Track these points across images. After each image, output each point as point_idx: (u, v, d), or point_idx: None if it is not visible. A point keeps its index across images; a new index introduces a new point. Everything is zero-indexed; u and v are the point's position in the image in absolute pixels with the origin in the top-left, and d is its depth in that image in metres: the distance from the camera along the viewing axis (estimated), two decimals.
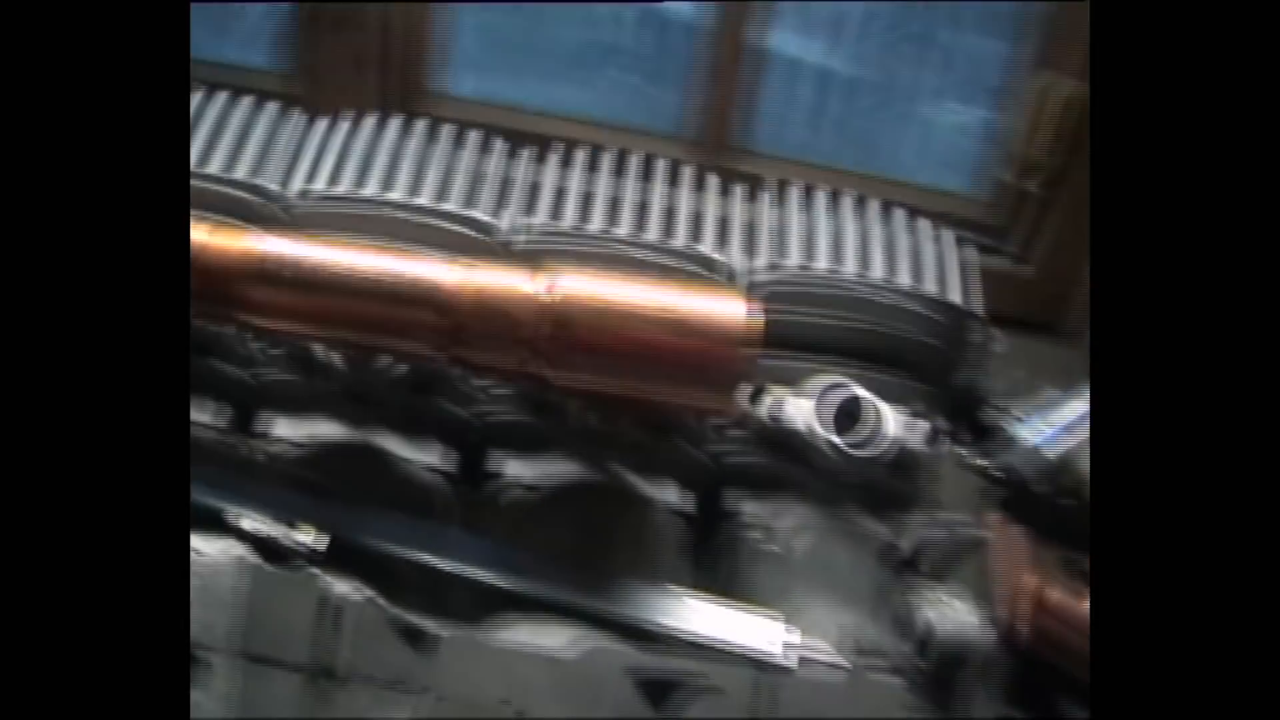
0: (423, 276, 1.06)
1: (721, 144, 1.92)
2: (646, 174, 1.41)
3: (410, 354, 1.10)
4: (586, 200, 1.32)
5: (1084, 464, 1.54)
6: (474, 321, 1.05)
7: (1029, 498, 1.55)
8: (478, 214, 1.22)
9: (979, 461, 1.64)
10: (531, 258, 1.18)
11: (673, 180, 1.40)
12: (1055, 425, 1.59)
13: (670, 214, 1.34)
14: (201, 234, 1.07)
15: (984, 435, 1.67)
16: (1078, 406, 1.59)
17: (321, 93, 1.83)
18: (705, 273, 1.21)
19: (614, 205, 1.32)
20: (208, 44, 1.88)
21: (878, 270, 1.28)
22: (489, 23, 1.94)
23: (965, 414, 1.72)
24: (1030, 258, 1.97)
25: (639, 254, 1.19)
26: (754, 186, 1.46)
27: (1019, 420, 1.65)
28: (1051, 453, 1.56)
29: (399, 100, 1.85)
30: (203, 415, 1.19)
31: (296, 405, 1.20)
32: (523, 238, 1.21)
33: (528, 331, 1.05)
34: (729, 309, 1.07)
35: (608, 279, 1.09)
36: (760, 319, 1.19)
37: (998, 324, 1.82)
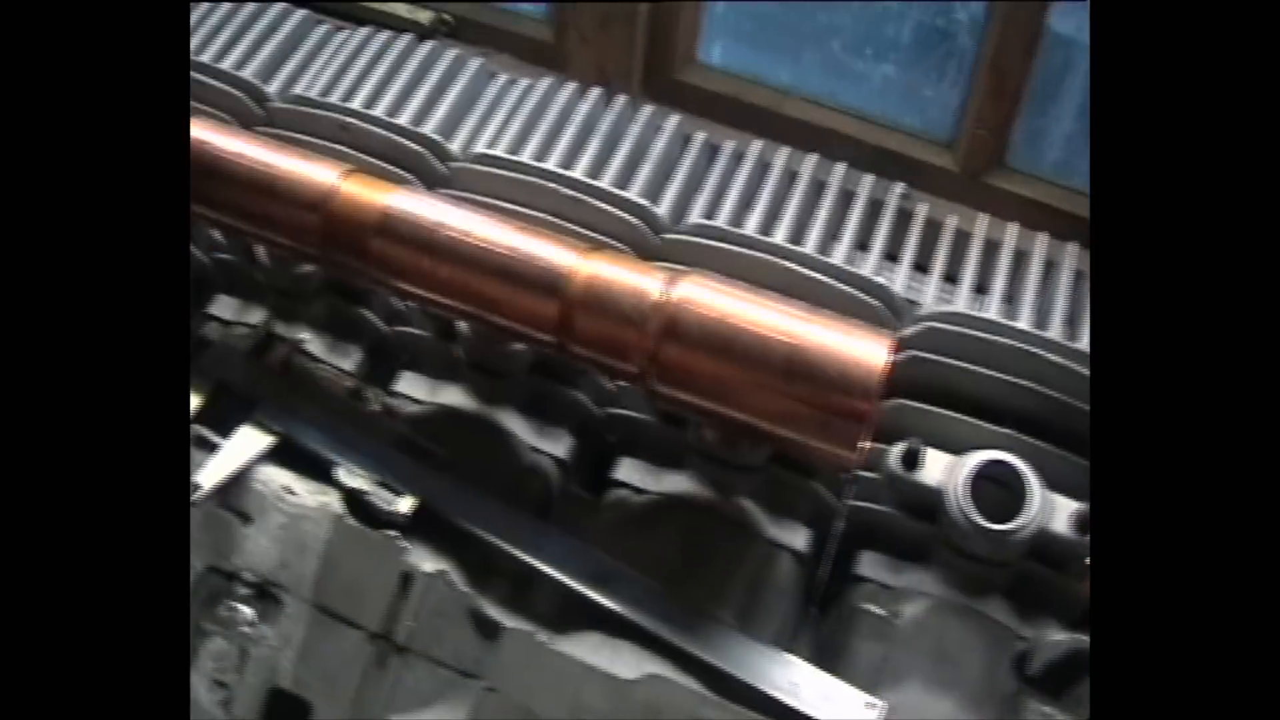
0: (538, 255, 1.00)
1: (989, 157, 1.75)
2: (863, 183, 1.31)
3: (523, 335, 1.05)
4: (776, 208, 1.23)
5: None
6: (581, 311, 0.99)
7: None
8: (636, 198, 1.16)
9: None
10: (680, 256, 1.12)
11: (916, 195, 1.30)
12: None
13: (874, 210, 1.23)
14: (332, 176, 1.07)
15: None
16: None
17: (569, 45, 1.81)
18: (871, 302, 1.10)
19: (802, 218, 1.23)
20: None
21: (1085, 340, 1.14)
22: (759, 7, 1.84)
23: None
24: None
25: (795, 267, 1.09)
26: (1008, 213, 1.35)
27: None
28: None
29: (646, 67, 1.80)
30: (342, 361, 1.20)
31: (428, 366, 1.19)
32: (678, 234, 1.14)
33: (634, 332, 0.97)
34: (866, 352, 0.95)
35: (735, 289, 1.00)
36: (914, 367, 1.08)
37: None
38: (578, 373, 1.16)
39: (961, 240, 1.30)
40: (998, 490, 1.04)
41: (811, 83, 1.86)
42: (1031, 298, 1.17)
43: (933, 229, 1.31)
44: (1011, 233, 1.31)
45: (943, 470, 1.04)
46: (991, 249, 1.28)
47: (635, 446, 1.14)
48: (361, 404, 1.15)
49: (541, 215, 1.13)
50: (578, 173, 1.21)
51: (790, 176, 1.28)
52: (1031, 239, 1.30)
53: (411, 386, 1.18)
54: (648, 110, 1.30)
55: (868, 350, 0.95)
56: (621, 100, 1.29)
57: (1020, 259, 1.27)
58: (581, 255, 1.01)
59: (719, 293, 0.98)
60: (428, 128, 1.27)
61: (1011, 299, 1.22)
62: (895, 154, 1.71)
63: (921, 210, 1.34)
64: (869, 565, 1.08)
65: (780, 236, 1.18)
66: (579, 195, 1.14)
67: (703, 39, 1.86)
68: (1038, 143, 1.76)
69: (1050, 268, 1.24)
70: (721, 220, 1.18)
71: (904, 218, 1.29)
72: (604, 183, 1.19)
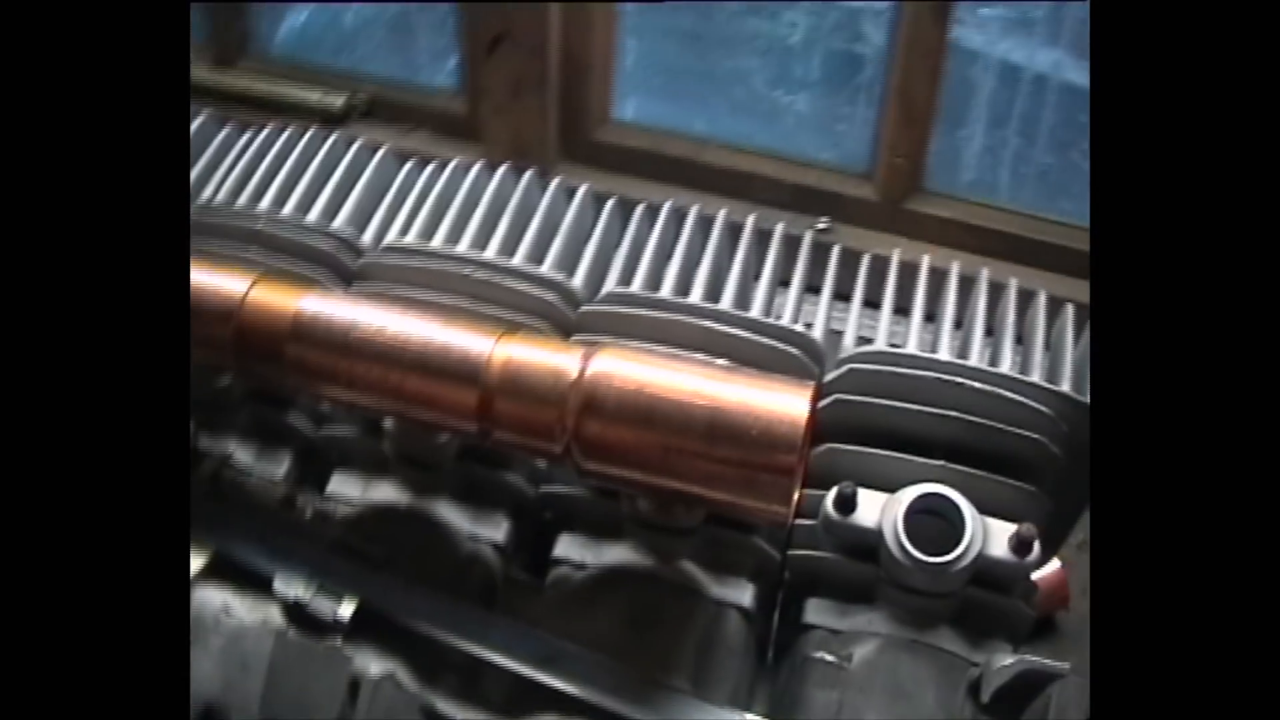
0: (453, 345, 1.00)
1: (907, 184, 1.77)
2: (776, 234, 1.32)
3: (446, 426, 1.05)
4: (690, 263, 1.24)
5: None
6: (501, 397, 0.99)
7: None
8: (548, 274, 1.17)
9: None
10: (597, 326, 1.12)
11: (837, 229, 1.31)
12: None
13: (791, 247, 1.25)
14: (241, 286, 1.07)
15: None
16: None
17: (482, 115, 1.82)
18: (791, 351, 1.10)
19: (717, 270, 1.24)
20: (385, 60, 1.92)
21: (1007, 361, 1.15)
22: (664, 52, 1.87)
23: None
24: None
25: (712, 325, 1.10)
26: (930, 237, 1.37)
27: None
28: None
29: (559, 129, 1.82)
30: (271, 469, 1.20)
31: (358, 464, 1.18)
32: (593, 305, 1.14)
33: (554, 412, 0.97)
34: (787, 406, 0.95)
35: (652, 357, 1.00)
36: (832, 400, 1.09)
37: None
38: (508, 455, 1.16)
39: (879, 267, 1.30)
40: (935, 522, 1.04)
41: (727, 128, 1.89)
42: (948, 325, 1.18)
43: (852, 259, 1.32)
44: (926, 258, 1.31)
45: (878, 510, 1.05)
46: (909, 274, 1.29)
47: (572, 522, 1.14)
48: (295, 511, 1.15)
49: (457, 301, 1.14)
50: (491, 252, 1.22)
51: (705, 225, 1.29)
52: (949, 260, 1.31)
53: (343, 487, 1.17)
54: (558, 180, 1.31)
55: (789, 404, 0.95)
56: (530, 174, 1.30)
57: (938, 282, 1.27)
58: (497, 340, 1.02)
59: (635, 363, 0.99)
60: (338, 222, 1.28)
61: (932, 319, 1.23)
62: (815, 189, 1.73)
63: (839, 242, 1.35)
64: (815, 612, 1.08)
65: (698, 289, 1.19)
66: (492, 277, 1.15)
67: (616, 97, 1.88)
68: (953, 163, 1.79)
69: (968, 288, 1.25)
70: (639, 280, 1.19)
71: (822, 251, 1.29)
72: (517, 260, 1.19)
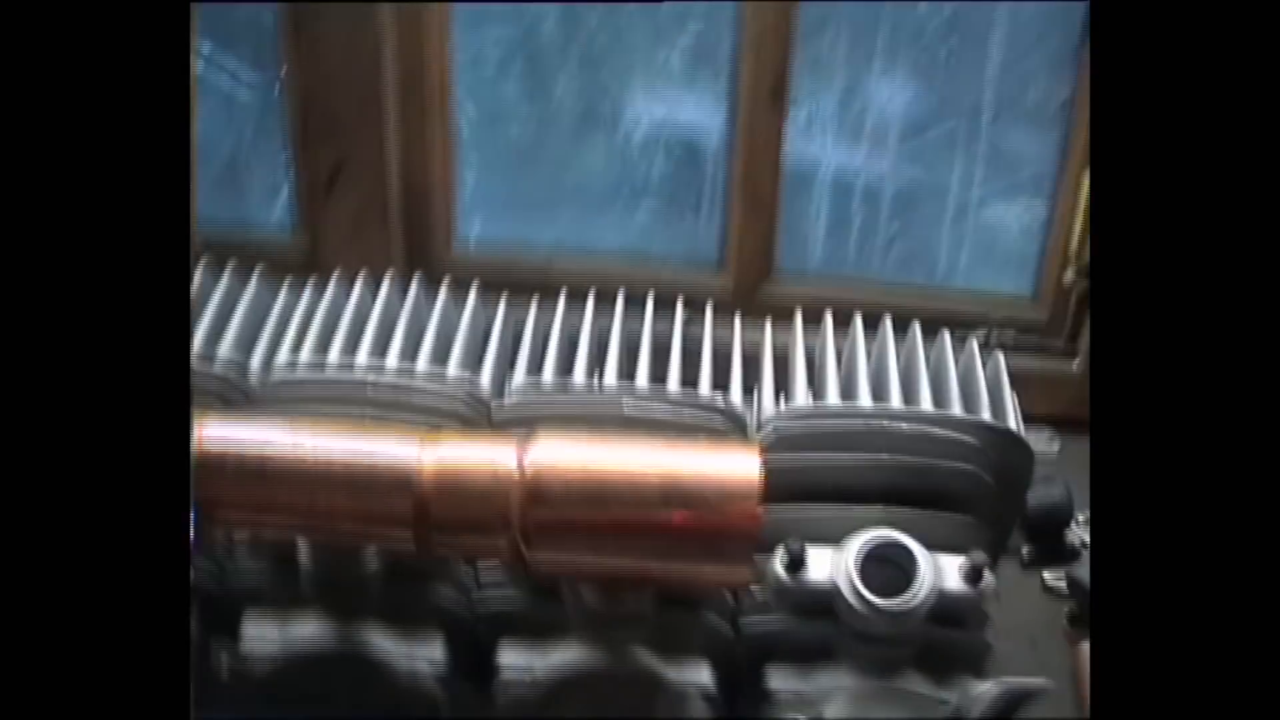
0: (379, 452, 0.97)
1: (759, 271, 1.84)
2: (671, 314, 1.34)
3: (379, 538, 1.01)
4: (601, 348, 1.25)
5: None
6: (440, 505, 0.96)
7: None
8: (457, 373, 1.14)
9: (1052, 579, 1.59)
10: (519, 422, 1.10)
11: (699, 319, 1.33)
12: None
13: (689, 357, 1.26)
14: None
15: (1062, 552, 1.61)
16: None
17: (324, 251, 1.80)
18: (721, 423, 1.11)
19: (628, 353, 1.25)
20: (220, 204, 1.89)
21: (923, 397, 1.19)
22: (505, 170, 1.90)
23: (1046, 536, 1.64)
24: (1078, 354, 1.88)
25: (633, 402, 1.10)
26: (788, 318, 1.40)
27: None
28: None
29: (408, 258, 1.81)
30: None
31: (270, 603, 1.11)
32: (508, 402, 1.13)
33: (497, 506, 0.95)
34: (739, 466, 0.96)
35: (589, 441, 0.99)
36: (773, 471, 1.09)
37: (1056, 425, 1.77)
38: (433, 571, 1.11)
39: (753, 350, 1.33)
40: (883, 569, 1.05)
41: (575, 238, 1.92)
42: (862, 374, 1.21)
43: (722, 346, 1.33)
44: (798, 328, 1.34)
45: (828, 565, 1.05)
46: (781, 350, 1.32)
47: (511, 629, 1.10)
48: (212, 669, 1.07)
49: (364, 413, 1.10)
50: (391, 361, 1.18)
51: (604, 315, 1.30)
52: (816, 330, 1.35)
53: (258, 630, 1.10)
54: (445, 286, 1.31)
55: (741, 463, 0.96)
56: (416, 283, 1.29)
57: (816, 350, 1.30)
58: (422, 443, 0.98)
59: (575, 445, 0.97)
60: (222, 351, 1.22)
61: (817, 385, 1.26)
62: (670, 287, 1.75)
63: (706, 333, 1.37)
64: (779, 678, 1.07)
65: (610, 375, 1.18)
66: (398, 383, 1.12)
67: (460, 220, 1.89)
68: (802, 246, 1.87)
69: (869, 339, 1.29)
70: (548, 371, 1.18)
71: (692, 344, 1.31)
72: (421, 365, 1.17)
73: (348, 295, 1.28)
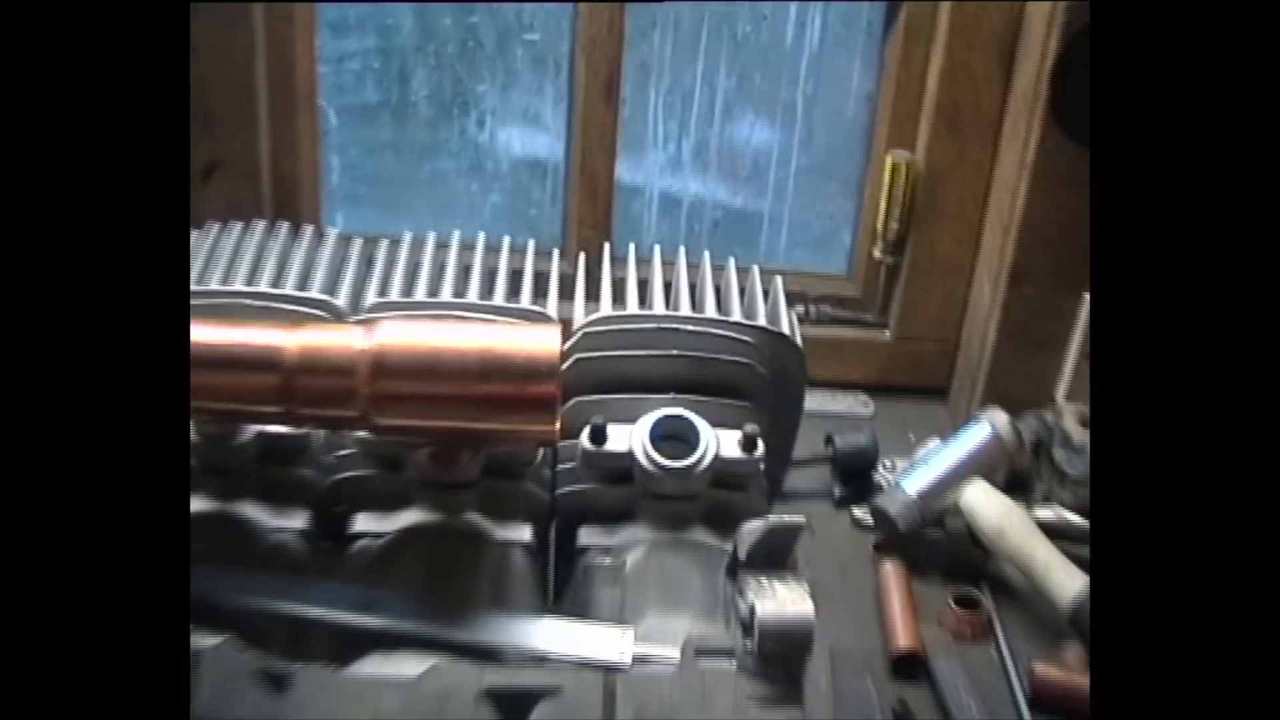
0: (251, 339, 1.27)
1: (597, 254, 2.16)
2: (503, 251, 1.67)
3: (251, 414, 1.30)
4: (439, 272, 1.57)
5: (949, 501, 1.82)
6: (303, 376, 1.25)
7: (902, 536, 1.81)
8: (318, 294, 1.45)
9: (860, 514, 1.91)
10: (367, 323, 1.41)
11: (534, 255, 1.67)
12: (932, 472, 1.88)
13: (515, 277, 1.59)
14: None
15: (869, 491, 1.95)
16: (948, 455, 1.89)
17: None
18: (537, 313, 1.43)
19: (464, 274, 1.58)
20: None
21: (708, 307, 1.52)
22: (366, 165, 2.21)
23: (854, 475, 1.99)
24: (888, 324, 2.24)
25: (465, 313, 1.41)
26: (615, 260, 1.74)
27: (898, 472, 1.93)
28: (921, 496, 1.83)
29: None
30: None
31: None
32: (361, 312, 1.44)
33: (350, 380, 1.24)
34: (541, 340, 1.27)
35: (425, 324, 1.30)
36: (576, 357, 1.42)
37: (868, 389, 2.15)
38: (297, 455, 1.41)
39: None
40: (674, 444, 1.37)
41: (432, 227, 2.23)
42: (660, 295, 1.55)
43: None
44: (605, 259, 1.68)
45: (626, 437, 1.37)
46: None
47: (365, 501, 1.39)
48: None
49: None
50: (264, 285, 1.49)
51: (442, 251, 1.62)
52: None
53: None
54: (311, 229, 1.61)
55: (543, 338, 1.27)
56: (286, 225, 1.59)
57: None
58: (289, 330, 1.29)
59: (411, 327, 1.28)
60: None
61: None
62: (518, 269, 2.07)
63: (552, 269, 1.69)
64: (587, 536, 1.36)
65: (446, 292, 1.50)
66: (268, 304, 1.42)
67: (326, 211, 2.19)
68: (636, 232, 2.21)
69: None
70: (395, 291, 1.50)
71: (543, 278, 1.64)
72: (288, 288, 1.47)
73: (215, 237, 1.58)
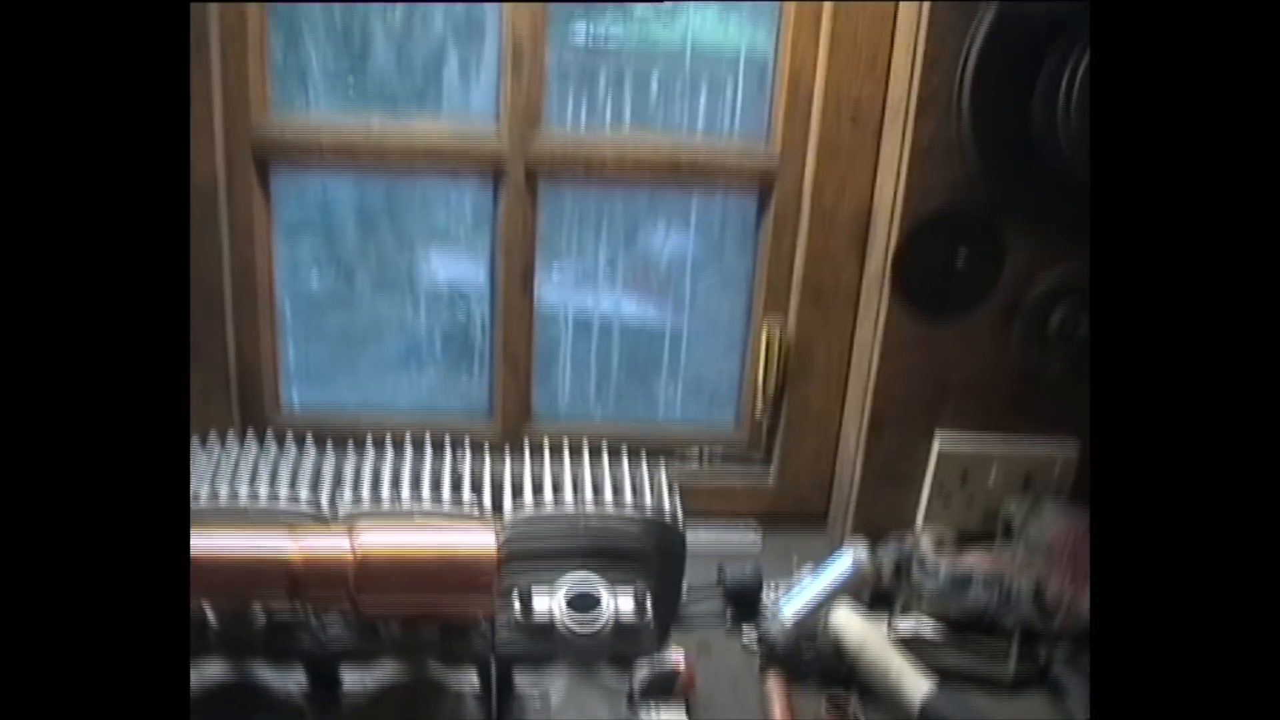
0: (269, 550, 1.89)
1: (520, 418, 2.82)
2: (449, 452, 2.31)
3: (266, 600, 1.93)
4: (396, 478, 2.22)
5: (820, 621, 2.40)
6: (307, 576, 1.88)
7: (782, 654, 2.39)
8: (305, 501, 2.08)
9: (748, 635, 2.52)
10: (349, 522, 2.04)
11: (468, 453, 2.31)
12: (804, 599, 2.47)
13: (457, 481, 2.23)
14: None
15: (755, 615, 2.55)
16: (818, 584, 2.49)
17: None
18: (475, 518, 2.07)
19: (416, 480, 2.22)
20: None
21: (608, 499, 2.18)
22: (318, 350, 2.81)
23: (742, 602, 2.61)
24: (771, 468, 2.80)
25: (420, 511, 2.05)
26: (534, 451, 2.39)
27: (779, 597, 2.53)
28: (796, 619, 2.43)
29: (243, 421, 2.73)
30: None
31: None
32: (342, 511, 2.07)
33: (342, 576, 1.88)
34: (481, 542, 1.92)
35: (395, 530, 1.94)
36: (508, 544, 2.06)
37: (758, 523, 2.80)
38: (295, 624, 2.03)
39: (516, 477, 2.30)
40: (583, 604, 2.01)
41: (376, 398, 2.85)
42: (568, 484, 2.19)
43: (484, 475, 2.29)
44: (526, 460, 2.31)
45: (547, 602, 2.01)
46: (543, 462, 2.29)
47: (348, 657, 2.00)
48: None
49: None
50: (263, 490, 2.11)
51: (399, 451, 2.26)
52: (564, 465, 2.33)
53: None
54: (288, 434, 2.24)
55: (483, 539, 1.91)
56: (266, 435, 2.23)
57: (559, 474, 2.29)
58: (292, 535, 1.91)
59: (384, 533, 1.92)
60: None
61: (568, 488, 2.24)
62: (451, 435, 2.69)
63: (478, 468, 2.33)
64: (520, 678, 1.96)
65: (404, 493, 2.14)
66: (269, 504, 2.05)
67: (284, 389, 2.82)
68: (553, 397, 2.87)
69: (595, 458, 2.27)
70: (365, 493, 2.13)
71: (474, 474, 2.28)
72: (283, 493, 2.10)
73: (218, 452, 2.21)
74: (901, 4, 2.27)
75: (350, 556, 1.86)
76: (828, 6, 2.34)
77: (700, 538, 2.60)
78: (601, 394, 2.84)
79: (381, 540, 1.89)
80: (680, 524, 2.12)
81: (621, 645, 1.99)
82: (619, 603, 1.98)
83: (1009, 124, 2.11)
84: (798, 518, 2.73)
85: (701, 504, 2.63)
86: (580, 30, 2.44)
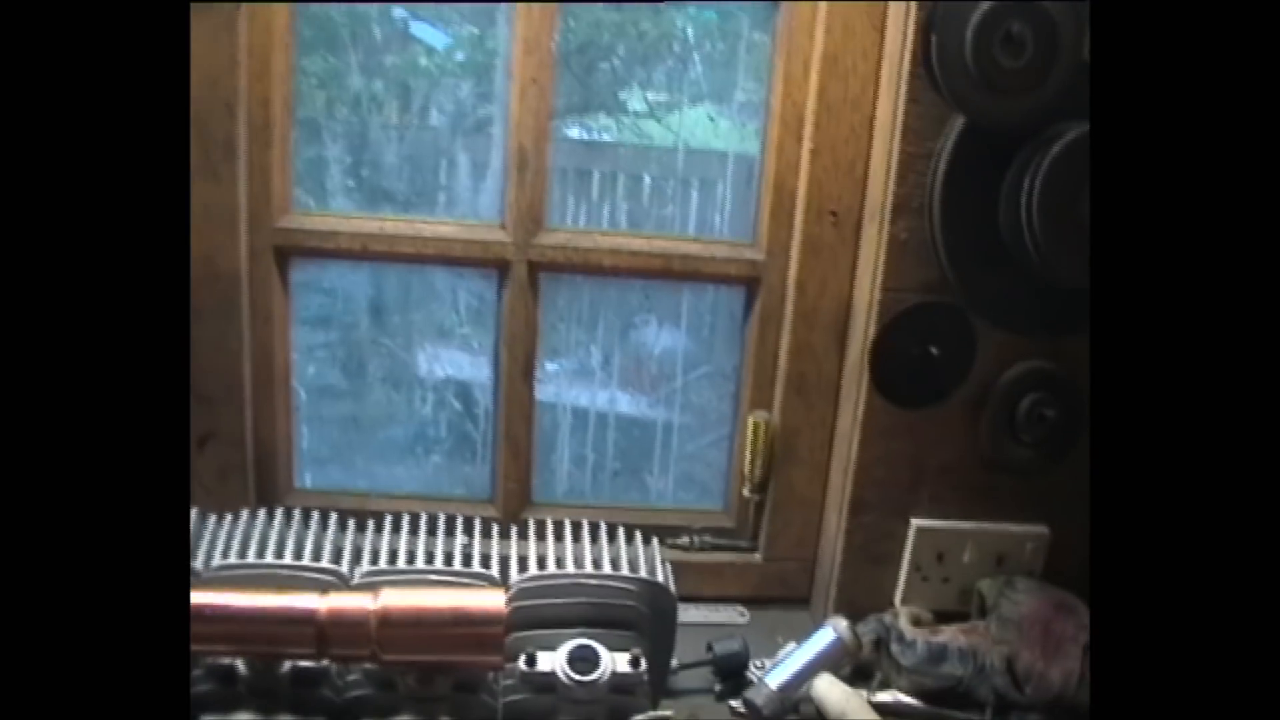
0: (299, 606, 2.17)
1: (520, 501, 3.10)
2: (455, 530, 2.60)
3: (294, 654, 2.20)
4: (411, 554, 2.50)
5: (804, 691, 2.67)
6: (333, 631, 2.16)
7: None
8: (328, 566, 2.37)
9: (735, 705, 2.78)
10: (369, 587, 2.32)
11: (476, 531, 2.60)
12: (789, 669, 2.74)
13: (467, 557, 2.52)
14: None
15: (743, 686, 2.82)
16: (802, 655, 2.76)
17: (202, 498, 2.96)
18: (484, 583, 2.35)
19: (429, 556, 2.51)
20: None
21: (606, 568, 2.46)
22: (330, 433, 3.09)
23: (731, 674, 2.88)
24: (757, 549, 3.02)
25: (436, 578, 2.33)
26: (539, 529, 2.68)
27: (765, 670, 2.80)
28: (781, 689, 2.70)
29: (259, 500, 3.01)
30: None
31: (218, 707, 2.27)
32: (361, 579, 2.35)
33: (364, 630, 2.14)
34: (491, 600, 2.20)
35: (413, 590, 2.21)
36: (514, 606, 2.34)
37: (744, 602, 3.08)
38: (319, 677, 2.29)
39: (520, 554, 2.59)
40: (583, 664, 2.28)
41: (384, 482, 3.13)
42: (571, 554, 2.47)
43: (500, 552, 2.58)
44: (531, 539, 2.59)
45: (550, 661, 2.29)
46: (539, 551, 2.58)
47: (367, 709, 2.26)
48: None
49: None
50: (288, 559, 2.38)
51: (413, 525, 2.54)
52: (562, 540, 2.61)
53: None
54: (299, 512, 2.53)
55: (492, 600, 2.19)
56: (280, 512, 2.51)
57: (560, 549, 2.57)
58: (320, 596, 2.19)
59: (403, 593, 2.20)
60: None
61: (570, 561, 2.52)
62: (454, 517, 2.97)
63: (483, 547, 2.61)
64: None
65: (420, 561, 2.42)
66: (295, 574, 2.33)
67: (297, 471, 3.10)
68: (551, 483, 3.16)
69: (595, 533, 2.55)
70: (383, 560, 2.42)
71: (481, 552, 2.56)
72: (305, 560, 2.38)
73: (243, 524, 2.50)
74: (878, 113, 2.45)
75: (373, 611, 2.13)
76: (810, 114, 2.51)
77: (691, 615, 2.83)
78: (597, 480, 3.12)
79: (401, 597, 2.16)
80: (671, 585, 2.39)
81: (617, 699, 2.25)
82: (616, 660, 2.24)
83: (977, 225, 2.28)
84: (783, 598, 2.89)
85: (691, 584, 2.75)
86: (576, 130, 2.65)
